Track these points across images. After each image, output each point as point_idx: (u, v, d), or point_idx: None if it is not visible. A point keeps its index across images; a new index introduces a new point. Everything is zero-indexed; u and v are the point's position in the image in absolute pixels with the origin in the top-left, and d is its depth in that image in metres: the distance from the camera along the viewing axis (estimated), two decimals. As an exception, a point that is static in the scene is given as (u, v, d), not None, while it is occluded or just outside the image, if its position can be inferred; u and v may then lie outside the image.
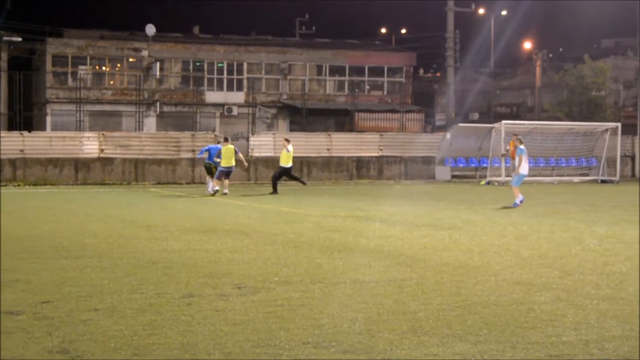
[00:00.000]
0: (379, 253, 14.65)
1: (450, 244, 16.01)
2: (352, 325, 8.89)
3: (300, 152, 44.47)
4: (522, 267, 12.92)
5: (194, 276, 11.88)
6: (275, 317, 9.23)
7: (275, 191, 32.91)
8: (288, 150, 33.61)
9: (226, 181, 32.15)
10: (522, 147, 26.37)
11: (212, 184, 32.42)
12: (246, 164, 33.52)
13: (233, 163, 32.02)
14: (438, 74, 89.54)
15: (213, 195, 31.35)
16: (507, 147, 41.23)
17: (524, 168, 26.05)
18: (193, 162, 42.41)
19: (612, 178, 44.82)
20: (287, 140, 34.43)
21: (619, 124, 46.91)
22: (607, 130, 46.51)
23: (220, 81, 63.92)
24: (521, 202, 25.65)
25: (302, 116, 58.33)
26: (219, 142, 33.54)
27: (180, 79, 63.47)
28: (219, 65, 63.93)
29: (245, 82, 63.66)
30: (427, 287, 11.16)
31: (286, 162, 33.75)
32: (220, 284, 11.27)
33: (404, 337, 8.41)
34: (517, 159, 26.46)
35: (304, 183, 35.26)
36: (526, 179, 40.28)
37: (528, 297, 10.53)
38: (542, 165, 46.82)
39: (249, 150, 43.89)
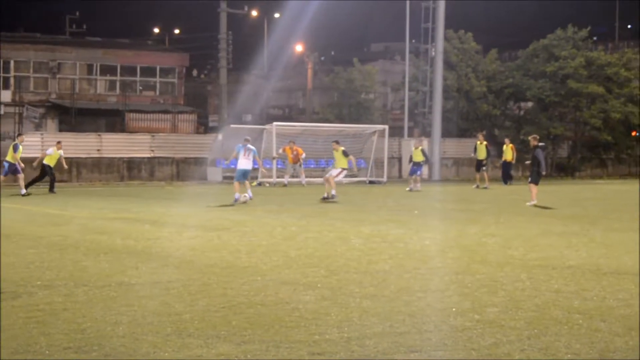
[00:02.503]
0: (146, 255, 14.49)
1: (219, 244, 16.01)
2: (116, 328, 8.76)
3: (70, 153, 43.49)
4: (289, 267, 13.07)
5: (-50, 282, 11.40)
6: (36, 323, 8.97)
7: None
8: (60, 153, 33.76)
9: None
10: (239, 145, 27.94)
11: None
12: None
13: (7, 159, 31.37)
14: (211, 76, 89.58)
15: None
16: (280, 150, 41.83)
17: (240, 163, 27.66)
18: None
19: (380, 179, 46.05)
20: (59, 143, 34.73)
21: (387, 127, 48.16)
22: (375, 132, 47.67)
23: (-15, 79, 61.68)
24: (236, 200, 26.92)
25: (72, 116, 57.13)
26: None
27: (-59, 77, 60.86)
28: (-16, 62, 61.65)
29: (12, 81, 61.68)
30: (194, 288, 11.11)
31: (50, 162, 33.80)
32: (-21, 290, 10.86)
33: (168, 339, 8.35)
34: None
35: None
36: (297, 179, 41.37)
37: (293, 296, 10.67)
38: (312, 166, 47.56)
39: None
